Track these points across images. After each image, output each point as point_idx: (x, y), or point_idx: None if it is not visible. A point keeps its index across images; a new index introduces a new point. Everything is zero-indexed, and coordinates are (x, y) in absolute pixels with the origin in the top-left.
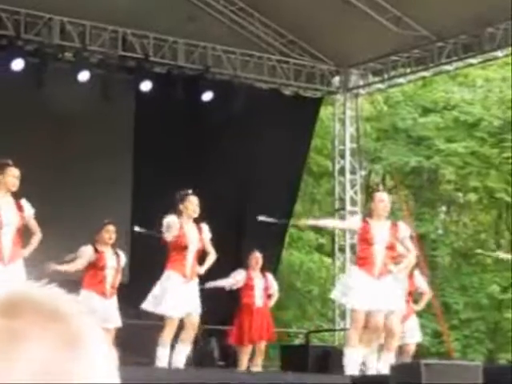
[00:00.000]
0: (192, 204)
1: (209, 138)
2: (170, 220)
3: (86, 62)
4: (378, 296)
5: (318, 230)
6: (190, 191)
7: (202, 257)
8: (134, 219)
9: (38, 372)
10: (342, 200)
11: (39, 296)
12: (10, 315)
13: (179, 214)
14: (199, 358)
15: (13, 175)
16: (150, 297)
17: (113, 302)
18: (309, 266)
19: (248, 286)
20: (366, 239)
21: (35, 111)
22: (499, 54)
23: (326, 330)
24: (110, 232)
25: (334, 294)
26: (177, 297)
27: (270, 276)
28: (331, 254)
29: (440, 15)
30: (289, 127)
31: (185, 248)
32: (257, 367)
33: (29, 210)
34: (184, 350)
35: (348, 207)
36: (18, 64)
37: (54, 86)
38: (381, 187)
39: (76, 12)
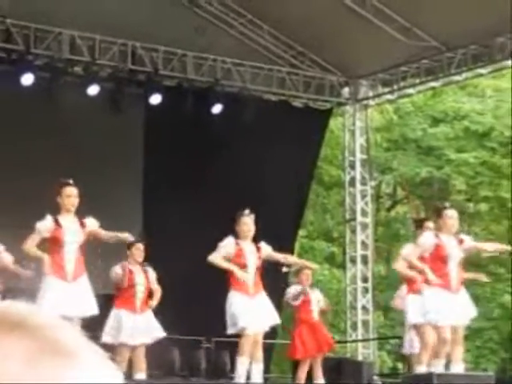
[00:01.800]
0: (246, 225)
1: (218, 150)
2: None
3: (96, 76)
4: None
5: (330, 239)
6: (246, 212)
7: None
8: (146, 231)
9: None
10: (353, 210)
11: (13, 312)
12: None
13: (237, 235)
14: (212, 370)
15: (70, 195)
16: (228, 320)
17: (145, 317)
18: (319, 278)
19: (305, 302)
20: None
21: (45, 125)
22: (509, 63)
23: (339, 342)
24: (139, 250)
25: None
26: (247, 313)
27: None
28: (342, 266)
29: (449, 26)
30: (298, 139)
31: (244, 267)
32: (320, 380)
33: (93, 224)
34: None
35: (359, 218)
36: (28, 79)
37: (64, 100)
38: (448, 204)
39: (85, 26)
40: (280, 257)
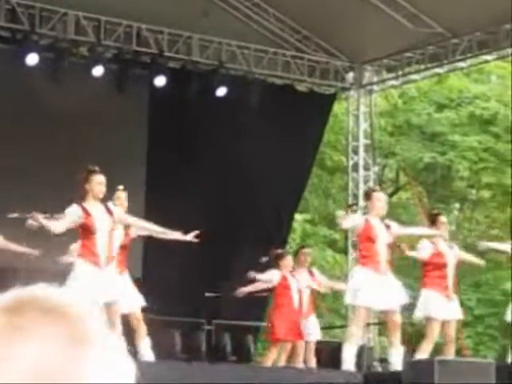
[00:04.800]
0: (379, 200)
1: (222, 132)
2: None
3: (101, 57)
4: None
5: (332, 224)
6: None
7: None
8: (148, 211)
9: (38, 370)
10: (356, 196)
11: (47, 297)
12: (15, 313)
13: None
14: (211, 352)
15: (98, 182)
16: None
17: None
18: (321, 263)
19: (283, 287)
20: None
21: (49, 105)
22: None
23: (339, 327)
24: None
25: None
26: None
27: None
28: (344, 251)
29: (455, 12)
30: (302, 123)
31: (374, 241)
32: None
33: (117, 211)
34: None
35: (361, 203)
36: (32, 58)
37: (69, 81)
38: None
39: (91, 7)
40: None
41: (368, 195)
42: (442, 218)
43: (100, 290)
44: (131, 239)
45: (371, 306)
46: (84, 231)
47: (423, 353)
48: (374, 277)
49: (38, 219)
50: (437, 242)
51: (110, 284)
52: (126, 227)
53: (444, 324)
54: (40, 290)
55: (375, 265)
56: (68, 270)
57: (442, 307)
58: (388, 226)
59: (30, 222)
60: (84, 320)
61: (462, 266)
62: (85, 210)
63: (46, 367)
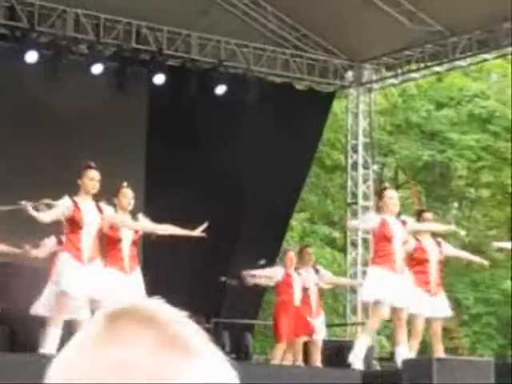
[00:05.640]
0: (392, 198)
1: (221, 130)
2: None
3: (100, 55)
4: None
5: (331, 223)
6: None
7: None
8: (146, 209)
9: (127, 371)
10: (355, 194)
11: (142, 306)
12: (113, 321)
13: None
14: None
15: (90, 178)
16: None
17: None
18: (320, 261)
19: (286, 284)
20: None
21: (48, 103)
22: None
23: (338, 325)
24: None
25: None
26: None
27: (303, 272)
28: (343, 249)
29: (454, 10)
30: (301, 121)
31: (390, 241)
32: (299, 361)
33: (108, 210)
34: None
35: (360, 202)
36: (31, 56)
37: (68, 79)
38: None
39: (90, 4)
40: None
41: (379, 195)
42: (427, 215)
43: (84, 285)
44: (140, 236)
45: (385, 300)
46: (71, 225)
47: (410, 350)
48: (390, 275)
49: (27, 210)
50: (421, 238)
51: (94, 281)
52: (134, 220)
53: (429, 322)
54: (138, 301)
55: (391, 264)
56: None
57: (425, 303)
58: (404, 223)
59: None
60: (172, 324)
61: (460, 263)
62: (75, 204)
63: (135, 369)
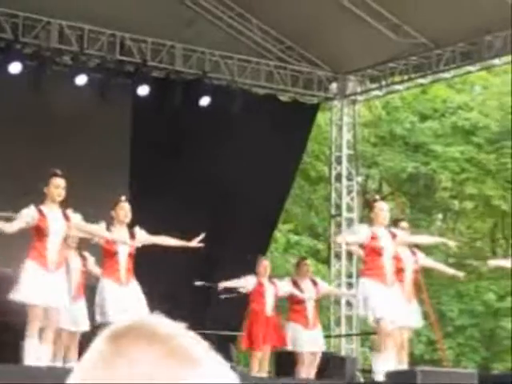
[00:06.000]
0: (382, 210)
1: (205, 141)
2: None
3: (84, 66)
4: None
5: (315, 234)
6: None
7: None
8: (131, 220)
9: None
10: (339, 206)
11: (140, 323)
12: (116, 339)
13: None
14: None
15: (55, 186)
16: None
17: (80, 306)
18: None
19: (258, 293)
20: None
21: (32, 114)
22: (497, 61)
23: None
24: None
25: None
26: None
27: (277, 281)
28: (327, 261)
29: (438, 23)
30: (285, 133)
31: (380, 254)
32: (263, 373)
33: (75, 217)
34: None
35: (344, 213)
36: (15, 67)
37: (52, 90)
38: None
39: (74, 16)
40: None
41: (370, 206)
42: (403, 224)
43: (47, 293)
44: (135, 248)
45: (385, 317)
46: (37, 233)
47: (400, 363)
48: (382, 289)
49: None
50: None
51: (57, 289)
52: (131, 233)
53: (399, 330)
54: (139, 318)
55: (381, 277)
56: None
57: (398, 312)
58: (394, 235)
59: None
60: (173, 337)
61: (445, 275)
62: (40, 212)
63: (147, 379)
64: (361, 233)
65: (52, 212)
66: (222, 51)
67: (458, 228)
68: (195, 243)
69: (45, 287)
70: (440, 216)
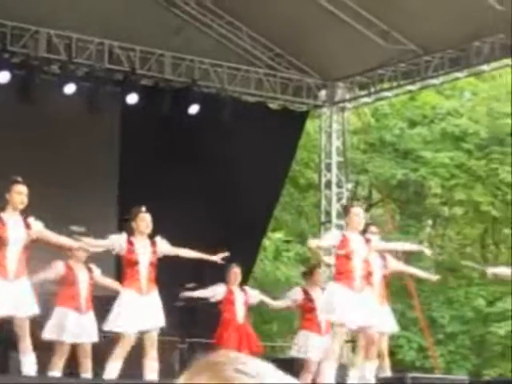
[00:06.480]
0: (357, 215)
1: (194, 150)
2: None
3: (73, 75)
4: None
5: (305, 242)
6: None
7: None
8: (120, 229)
9: None
10: (328, 213)
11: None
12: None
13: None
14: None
15: (19, 192)
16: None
17: (90, 317)
18: (294, 280)
19: (229, 301)
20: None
21: (21, 123)
22: (485, 67)
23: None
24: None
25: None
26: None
27: (248, 289)
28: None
29: (427, 30)
30: (274, 140)
31: (350, 258)
32: None
33: (36, 225)
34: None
35: (334, 220)
36: (3, 76)
37: (41, 99)
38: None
39: (62, 24)
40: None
41: (347, 210)
42: (372, 228)
43: (8, 303)
44: (157, 257)
45: (347, 323)
46: None
47: (383, 369)
48: (348, 294)
49: None
50: None
51: (20, 299)
52: (152, 243)
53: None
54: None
55: (350, 281)
56: None
57: (365, 316)
58: (368, 240)
59: None
60: (222, 367)
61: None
62: (0, 220)
63: None
64: (332, 236)
65: (12, 219)
66: (212, 59)
67: (447, 234)
68: (219, 258)
69: (6, 297)
70: (430, 222)
